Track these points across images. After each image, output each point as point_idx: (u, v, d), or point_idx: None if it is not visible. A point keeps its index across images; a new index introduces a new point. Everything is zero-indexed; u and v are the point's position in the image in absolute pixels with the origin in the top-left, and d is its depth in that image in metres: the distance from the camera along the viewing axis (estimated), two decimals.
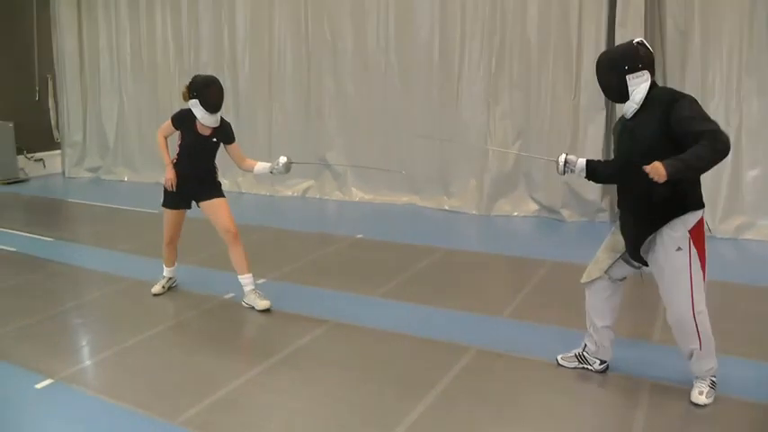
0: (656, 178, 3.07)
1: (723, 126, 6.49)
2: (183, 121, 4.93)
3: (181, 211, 5.17)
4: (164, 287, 5.43)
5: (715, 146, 3.06)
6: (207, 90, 4.82)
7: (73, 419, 3.60)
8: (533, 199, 8.00)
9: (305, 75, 9.46)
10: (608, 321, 3.76)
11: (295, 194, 9.67)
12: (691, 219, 3.34)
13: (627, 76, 3.35)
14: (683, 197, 3.32)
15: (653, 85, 3.38)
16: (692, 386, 3.53)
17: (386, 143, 8.80)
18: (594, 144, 7.41)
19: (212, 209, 5.06)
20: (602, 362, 3.85)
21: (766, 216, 6.72)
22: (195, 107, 4.85)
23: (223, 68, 10.07)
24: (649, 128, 3.29)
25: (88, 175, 12.01)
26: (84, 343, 4.71)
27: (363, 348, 4.37)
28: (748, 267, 6.09)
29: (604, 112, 7.41)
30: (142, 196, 10.09)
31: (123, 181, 11.52)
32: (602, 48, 7.39)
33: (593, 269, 3.73)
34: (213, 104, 4.84)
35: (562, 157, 3.71)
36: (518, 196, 8.04)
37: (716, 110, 6.70)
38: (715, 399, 3.48)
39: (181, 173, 4.99)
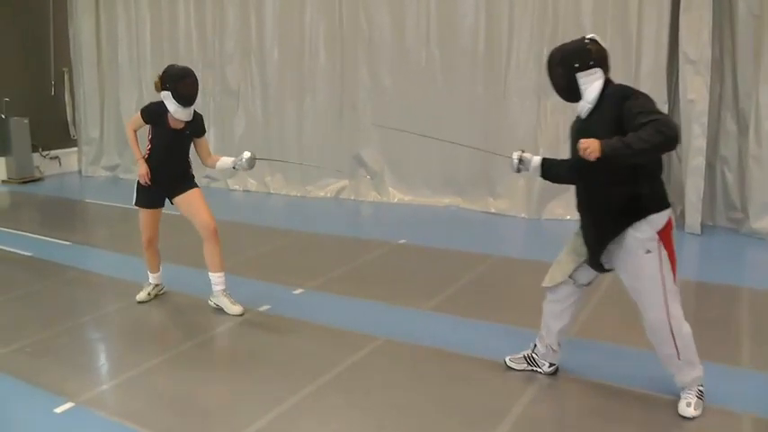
0: (589, 154, 3.06)
1: None
2: (154, 114, 4.89)
3: (157, 210, 5.11)
4: (149, 294, 5.34)
5: (658, 127, 3.00)
6: (180, 82, 4.76)
7: None
8: None
9: (338, 66, 9.24)
10: (564, 325, 3.81)
11: (328, 195, 9.47)
12: (657, 219, 3.33)
13: (577, 74, 3.37)
14: (644, 197, 3.33)
15: (608, 82, 3.39)
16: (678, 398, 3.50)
17: (425, 141, 8.48)
18: None
19: (188, 202, 4.99)
20: (551, 364, 3.93)
21: None
22: (167, 99, 4.81)
23: (250, 58, 9.96)
24: (604, 127, 3.26)
25: (105, 173, 11.91)
26: (105, 361, 4.54)
27: (418, 370, 4.10)
28: None
29: (666, 107, 7.11)
30: None
31: None
32: (665, 36, 7.14)
33: (557, 272, 3.72)
34: (187, 97, 4.78)
35: (516, 154, 3.76)
36: (571, 198, 7.61)
37: None
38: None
39: (154, 169, 4.91)
